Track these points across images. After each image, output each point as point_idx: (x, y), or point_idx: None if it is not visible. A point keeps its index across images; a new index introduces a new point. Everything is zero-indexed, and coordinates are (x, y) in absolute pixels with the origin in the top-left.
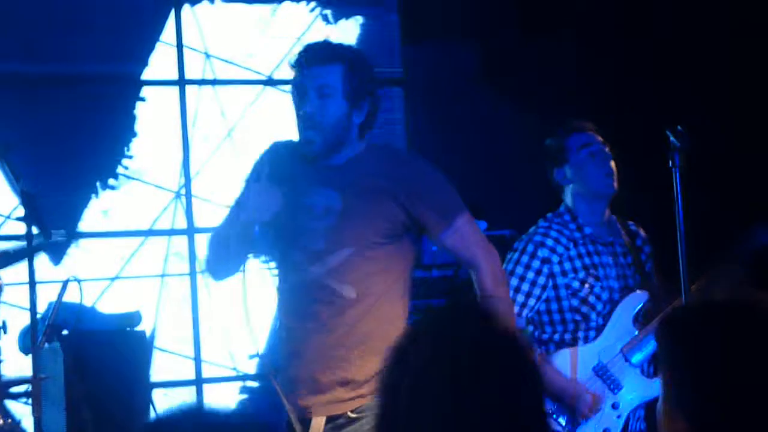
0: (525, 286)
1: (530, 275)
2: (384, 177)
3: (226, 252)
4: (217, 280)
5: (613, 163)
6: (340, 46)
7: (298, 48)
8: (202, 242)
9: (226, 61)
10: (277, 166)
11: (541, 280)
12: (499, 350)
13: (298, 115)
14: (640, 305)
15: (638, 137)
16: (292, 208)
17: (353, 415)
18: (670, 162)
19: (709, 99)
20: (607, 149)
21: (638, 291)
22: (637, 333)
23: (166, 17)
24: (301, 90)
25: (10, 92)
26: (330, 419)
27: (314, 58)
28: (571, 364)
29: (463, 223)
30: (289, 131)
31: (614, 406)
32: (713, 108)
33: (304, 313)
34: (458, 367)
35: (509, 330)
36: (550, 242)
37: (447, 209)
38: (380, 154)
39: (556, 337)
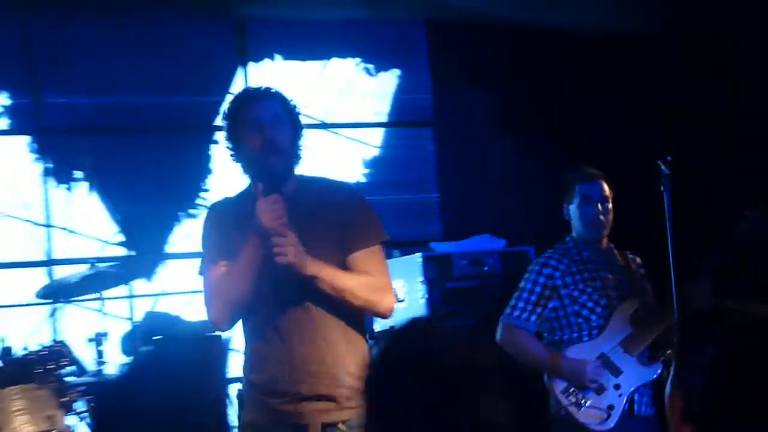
0: (533, 298)
1: (537, 289)
2: (326, 205)
3: (237, 293)
4: (229, 327)
5: (608, 213)
6: (269, 87)
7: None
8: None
9: None
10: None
11: (546, 292)
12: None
13: (252, 150)
14: (634, 309)
15: (630, 168)
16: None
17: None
18: (662, 187)
19: (688, 135)
20: (607, 200)
21: (632, 298)
22: (631, 331)
23: (234, 73)
24: (254, 123)
25: (115, 140)
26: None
27: (259, 95)
28: (581, 355)
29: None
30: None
31: (616, 387)
32: (693, 142)
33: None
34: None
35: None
36: (553, 262)
37: (369, 234)
38: (315, 183)
39: (566, 337)
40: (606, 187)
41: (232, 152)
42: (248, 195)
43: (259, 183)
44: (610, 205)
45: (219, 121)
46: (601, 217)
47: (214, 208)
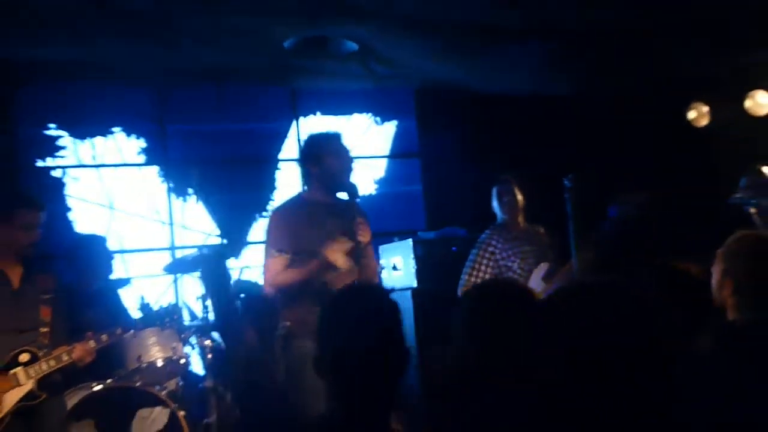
0: (476, 266)
1: (479, 259)
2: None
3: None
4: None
5: (516, 204)
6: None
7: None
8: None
9: None
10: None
11: (485, 261)
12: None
13: (341, 173)
14: (545, 269)
15: (549, 182)
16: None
17: None
18: (566, 195)
19: (584, 163)
20: (516, 195)
21: (544, 263)
22: (544, 285)
23: (291, 123)
24: (347, 155)
25: (214, 167)
26: None
27: (341, 137)
28: None
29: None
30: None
31: None
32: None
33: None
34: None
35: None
36: (493, 241)
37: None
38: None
39: None
40: (515, 188)
41: (314, 170)
42: (304, 200)
43: (343, 192)
44: (519, 196)
45: (284, 154)
46: (512, 203)
47: (277, 211)
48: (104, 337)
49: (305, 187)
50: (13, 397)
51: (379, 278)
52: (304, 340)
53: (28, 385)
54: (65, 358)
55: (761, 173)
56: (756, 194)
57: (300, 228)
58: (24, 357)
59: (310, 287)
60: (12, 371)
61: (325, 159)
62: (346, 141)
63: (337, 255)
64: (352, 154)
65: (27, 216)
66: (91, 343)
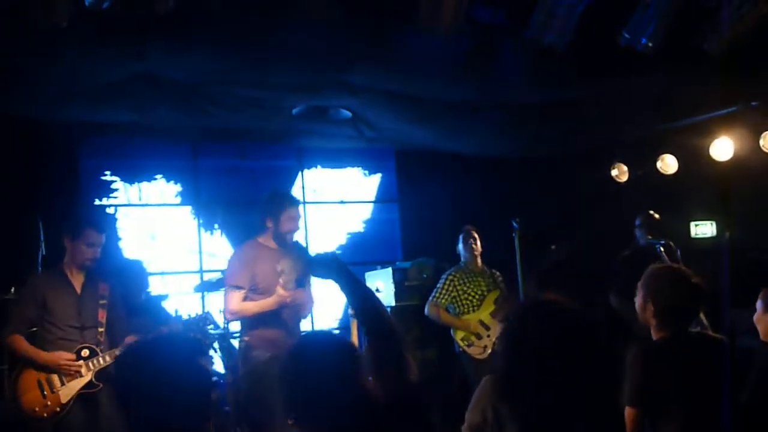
0: (440, 293)
1: (446, 287)
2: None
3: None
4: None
5: (471, 248)
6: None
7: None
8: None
9: (321, 200)
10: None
11: (449, 289)
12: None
13: (291, 233)
14: (495, 297)
15: (499, 222)
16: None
17: None
18: (514, 234)
19: (528, 208)
20: (476, 241)
21: (495, 291)
22: (494, 308)
23: (296, 175)
24: (297, 224)
25: (234, 209)
26: None
27: (298, 203)
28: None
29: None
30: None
31: (488, 336)
32: (530, 212)
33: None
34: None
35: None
36: (455, 274)
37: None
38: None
39: (459, 311)
40: (476, 234)
41: (270, 225)
42: (258, 245)
43: (288, 245)
44: (479, 243)
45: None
46: (472, 248)
47: (236, 253)
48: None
49: (260, 233)
50: (76, 385)
51: (311, 307)
52: (259, 351)
53: (87, 377)
54: (118, 353)
55: (651, 215)
56: (648, 231)
57: (254, 268)
58: (85, 352)
59: (264, 313)
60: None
61: (282, 221)
62: (300, 208)
63: (285, 293)
64: (301, 219)
65: (93, 235)
66: None
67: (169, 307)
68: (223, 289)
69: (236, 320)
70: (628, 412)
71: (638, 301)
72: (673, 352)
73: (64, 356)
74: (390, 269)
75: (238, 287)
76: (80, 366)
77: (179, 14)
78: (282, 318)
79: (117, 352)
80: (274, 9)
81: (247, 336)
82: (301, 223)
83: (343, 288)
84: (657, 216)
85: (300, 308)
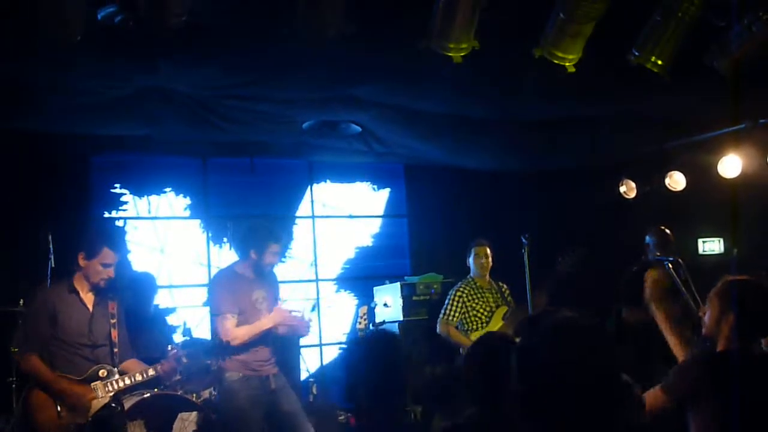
0: (450, 310)
1: (455, 303)
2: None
3: None
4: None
5: (488, 261)
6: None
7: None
8: None
9: (330, 214)
10: None
11: (458, 306)
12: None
13: (271, 266)
14: (504, 312)
15: (510, 239)
16: None
17: None
18: (523, 250)
19: (537, 225)
20: (487, 256)
21: (503, 307)
22: (503, 323)
23: (306, 189)
24: (281, 251)
25: (244, 222)
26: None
27: (282, 239)
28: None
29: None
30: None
31: None
32: (539, 229)
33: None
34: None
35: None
36: (462, 291)
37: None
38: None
39: (468, 328)
40: (488, 249)
41: (254, 257)
42: (236, 274)
43: (265, 275)
44: (490, 259)
45: (300, 212)
46: (483, 264)
47: (219, 280)
48: (184, 359)
49: (238, 261)
50: (96, 404)
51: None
52: (231, 373)
53: (106, 398)
54: (138, 377)
55: (662, 232)
56: (658, 247)
57: (236, 293)
58: (103, 372)
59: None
60: (92, 384)
61: (266, 254)
62: (282, 242)
63: (284, 313)
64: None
65: (109, 256)
66: (172, 363)
67: (177, 320)
68: (215, 313)
69: (240, 344)
70: (658, 393)
71: (711, 311)
72: (738, 365)
73: (82, 397)
74: (398, 284)
75: (232, 313)
76: (93, 398)
77: (191, 29)
78: (257, 341)
79: (138, 375)
80: (286, 24)
81: (221, 359)
82: (309, 238)
83: None
84: (668, 232)
85: (281, 330)
